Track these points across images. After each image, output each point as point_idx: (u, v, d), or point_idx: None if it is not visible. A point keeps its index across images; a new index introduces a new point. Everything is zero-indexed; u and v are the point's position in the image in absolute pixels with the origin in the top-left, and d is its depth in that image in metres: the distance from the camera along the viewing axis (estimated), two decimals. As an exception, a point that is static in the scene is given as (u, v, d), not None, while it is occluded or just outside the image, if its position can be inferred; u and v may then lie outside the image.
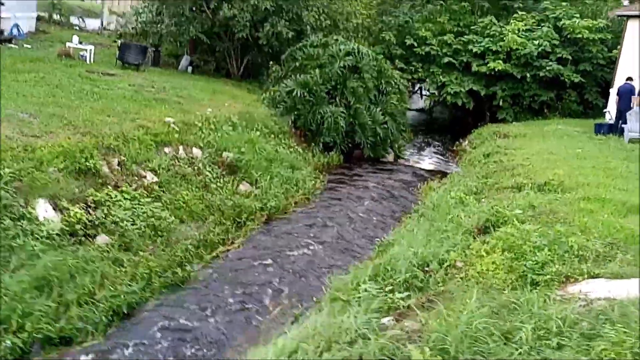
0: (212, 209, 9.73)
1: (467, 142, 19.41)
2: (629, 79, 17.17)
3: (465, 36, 23.97)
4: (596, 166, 11.40)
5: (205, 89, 16.38)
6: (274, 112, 16.07)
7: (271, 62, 19.04)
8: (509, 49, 22.56)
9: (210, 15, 19.34)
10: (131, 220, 8.02)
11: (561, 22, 22.79)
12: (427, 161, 18.82)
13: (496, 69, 22.54)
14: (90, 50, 17.53)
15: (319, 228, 10.51)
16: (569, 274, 5.74)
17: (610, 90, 19.30)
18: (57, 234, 7.03)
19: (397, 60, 23.38)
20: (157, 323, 6.60)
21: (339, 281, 7.15)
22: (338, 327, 5.59)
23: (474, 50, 23.38)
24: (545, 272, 5.80)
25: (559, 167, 10.98)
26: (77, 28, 25.56)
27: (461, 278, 6.44)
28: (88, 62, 17.05)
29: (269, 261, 8.71)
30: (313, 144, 15.81)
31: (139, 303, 6.90)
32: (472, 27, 24.31)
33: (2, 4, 18.70)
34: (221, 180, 10.74)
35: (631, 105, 16.45)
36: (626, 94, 16.83)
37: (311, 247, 9.51)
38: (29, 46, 17.86)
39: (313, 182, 13.17)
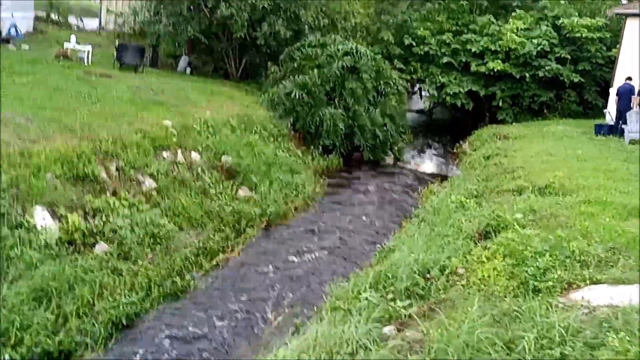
0: (212, 215, 9.67)
1: (467, 144, 19.35)
2: (629, 78, 17.11)
3: (464, 35, 23.90)
4: (596, 168, 11.36)
5: (203, 90, 16.30)
6: (272, 114, 16.00)
7: (269, 63, 18.97)
8: (507, 49, 22.51)
9: (207, 15, 19.25)
10: (130, 227, 7.97)
11: (560, 21, 22.72)
12: (427, 164, 18.77)
13: (495, 69, 22.49)
14: (88, 51, 17.45)
15: (319, 234, 10.46)
16: (571, 280, 5.70)
17: (610, 90, 19.24)
18: (55, 243, 6.97)
19: (395, 60, 23.30)
20: (157, 335, 6.54)
21: (339, 289, 7.12)
22: (339, 337, 5.55)
23: (473, 49, 23.33)
24: (546, 278, 5.75)
25: (559, 169, 10.93)
26: (76, 28, 25.42)
27: (462, 285, 6.39)
28: (86, 63, 16.97)
29: (269, 268, 8.66)
30: (312, 147, 15.74)
31: (139, 314, 6.83)
32: (470, 26, 24.25)
33: (0, 4, 18.61)
34: (220, 185, 10.68)
35: (631, 106, 16.38)
36: (626, 93, 16.77)
37: (312, 254, 9.45)
38: (26, 47, 17.77)
39: (313, 186, 13.10)
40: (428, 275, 7.03)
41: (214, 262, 8.61)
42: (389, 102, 17.68)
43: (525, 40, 22.33)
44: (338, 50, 17.18)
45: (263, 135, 13.90)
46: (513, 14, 23.84)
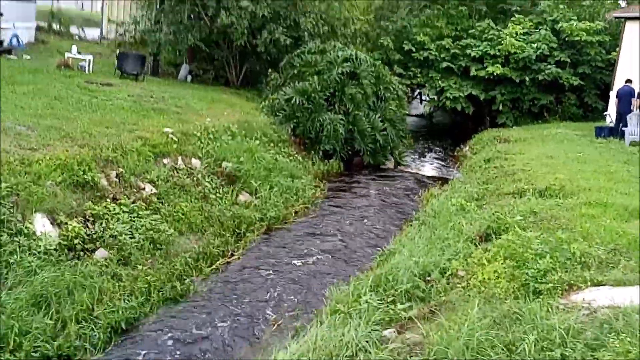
0: (212, 220, 9.66)
1: (467, 147, 19.38)
2: (628, 81, 17.15)
3: (463, 40, 24.00)
4: (597, 170, 11.37)
5: (204, 98, 16.35)
6: (273, 120, 16.03)
7: (270, 70, 19.03)
8: (507, 53, 22.58)
9: (208, 23, 19.34)
10: (130, 233, 7.95)
11: (559, 25, 22.77)
12: (428, 167, 18.78)
13: (495, 73, 22.55)
14: (89, 60, 17.53)
15: (319, 238, 10.45)
16: (572, 281, 5.70)
17: (610, 92, 19.26)
18: (54, 249, 6.96)
19: (395, 66, 23.39)
20: (157, 339, 6.52)
21: (339, 292, 7.12)
22: (339, 340, 5.55)
23: (472, 54, 23.39)
24: (547, 280, 5.75)
25: (559, 172, 10.96)
26: (77, 38, 25.57)
27: (463, 287, 6.39)
28: (87, 72, 17.04)
29: (270, 273, 8.65)
30: (312, 152, 15.76)
31: (138, 318, 6.81)
32: (470, 31, 24.33)
33: (1, 15, 18.70)
34: (220, 190, 10.68)
35: (631, 108, 16.40)
36: (626, 96, 16.80)
37: (312, 258, 9.44)
38: (28, 57, 17.86)
39: (313, 190, 13.10)
40: (428, 278, 7.04)
41: (214, 267, 8.59)
42: (388, 107, 17.69)
43: (525, 45, 22.40)
44: (338, 56, 17.22)
45: (263, 141, 13.92)
46: (512, 18, 23.90)
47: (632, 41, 18.67)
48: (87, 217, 7.84)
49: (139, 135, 10.44)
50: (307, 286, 8.39)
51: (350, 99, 16.46)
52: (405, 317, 6.02)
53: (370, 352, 5.23)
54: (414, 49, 23.99)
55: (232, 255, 9.16)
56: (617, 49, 19.90)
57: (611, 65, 21.12)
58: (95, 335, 6.26)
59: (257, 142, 13.42)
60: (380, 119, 16.93)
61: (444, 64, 23.66)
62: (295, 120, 16.02)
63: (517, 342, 4.60)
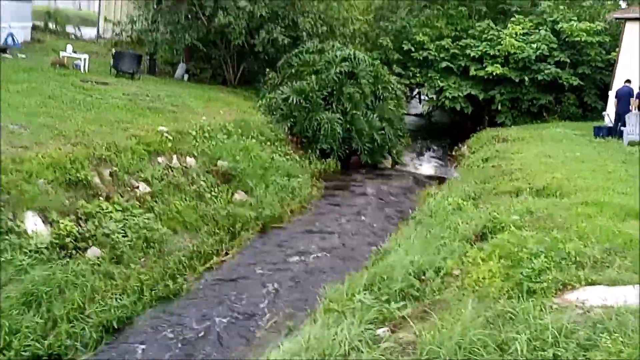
0: (206, 218, 9.62)
1: (465, 146, 19.35)
2: (628, 81, 17.11)
3: (463, 40, 23.96)
4: (595, 169, 11.31)
5: (200, 97, 16.30)
6: (270, 119, 15.99)
7: (267, 69, 18.98)
8: (506, 53, 22.53)
9: (205, 23, 19.30)
10: (123, 232, 7.90)
11: (559, 26, 22.75)
12: (426, 166, 18.75)
13: (494, 73, 22.52)
14: (85, 59, 17.46)
15: (315, 236, 10.40)
16: (566, 281, 5.63)
17: (609, 92, 19.23)
18: (46, 248, 6.91)
19: (394, 66, 23.36)
20: (148, 338, 6.48)
21: (333, 291, 7.06)
22: (332, 339, 5.49)
23: (472, 54, 23.35)
24: (541, 279, 5.69)
25: (557, 171, 10.90)
26: (73, 37, 25.49)
27: (457, 287, 6.34)
28: (82, 71, 16.97)
29: (264, 271, 8.60)
30: (310, 151, 15.70)
31: (130, 317, 6.78)
32: (469, 32, 24.30)
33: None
34: (215, 189, 10.63)
35: (630, 108, 16.36)
36: (625, 96, 16.77)
37: (307, 256, 9.40)
38: (23, 56, 17.78)
39: (309, 189, 13.06)
40: (423, 277, 6.98)
41: (208, 265, 8.55)
42: (387, 106, 17.67)
43: (524, 45, 22.36)
44: (336, 56, 17.19)
45: (260, 140, 13.87)
46: (512, 19, 23.86)
47: (632, 42, 18.62)
48: (79, 215, 7.79)
49: (134, 133, 10.39)
50: (302, 284, 8.35)
51: (348, 99, 16.42)
52: (399, 316, 5.97)
53: (362, 352, 5.17)
54: (413, 49, 23.97)
55: (226, 253, 9.12)
56: (617, 50, 19.86)
57: (611, 66, 21.08)
58: (86, 334, 6.22)
59: (254, 141, 13.38)
60: (378, 119, 16.90)
61: (443, 64, 23.63)
62: (292, 120, 15.97)
63: (510, 341, 4.54)
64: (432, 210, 10.16)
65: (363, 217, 11.84)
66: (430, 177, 16.58)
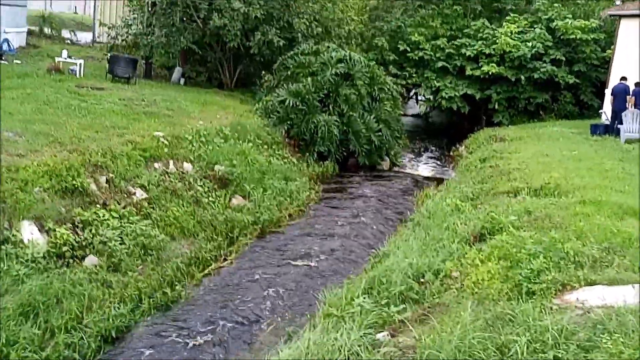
0: (204, 224, 9.58)
1: (463, 146, 19.34)
2: (623, 78, 17.12)
3: (458, 40, 23.94)
4: (592, 168, 11.31)
5: (196, 100, 16.25)
6: (266, 122, 15.94)
7: (263, 72, 18.95)
8: (502, 52, 22.54)
9: (200, 25, 19.26)
10: (120, 239, 7.87)
11: (554, 24, 22.77)
12: (424, 167, 18.73)
13: (490, 72, 22.52)
14: (80, 64, 17.42)
15: (313, 240, 10.34)
16: (565, 281, 5.62)
17: (605, 90, 19.24)
18: (42, 257, 6.88)
19: (390, 66, 23.33)
20: (147, 347, 6.43)
21: (332, 296, 7.02)
22: (331, 344, 5.45)
23: (468, 53, 23.34)
24: (540, 280, 5.68)
25: (555, 170, 10.89)
26: (69, 41, 25.43)
27: (457, 289, 6.32)
28: (78, 76, 16.92)
29: (263, 277, 8.55)
30: (307, 154, 15.65)
31: (128, 326, 6.73)
32: (464, 31, 24.29)
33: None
34: (213, 194, 10.59)
35: (626, 105, 16.37)
36: (621, 93, 16.78)
37: (306, 260, 9.35)
38: (18, 61, 17.73)
39: (307, 193, 13.00)
40: (422, 280, 6.96)
41: (206, 272, 8.50)
42: (383, 107, 17.64)
43: (520, 43, 22.36)
44: (331, 57, 17.16)
45: (257, 143, 13.81)
46: (507, 17, 23.86)
47: (627, 39, 18.63)
48: (76, 223, 7.76)
49: (129, 139, 10.35)
50: (301, 289, 8.30)
51: (345, 100, 16.39)
52: (398, 320, 5.94)
53: (362, 357, 5.14)
54: (409, 49, 23.95)
55: (224, 259, 9.07)
56: (612, 47, 19.87)
57: (606, 63, 21.11)
58: (85, 344, 6.17)
59: (251, 144, 13.33)
60: (375, 120, 16.87)
61: (439, 64, 23.62)
62: (289, 122, 15.93)
63: (510, 344, 4.52)
64: (430, 211, 10.13)
65: (361, 220, 11.80)
66: (428, 178, 16.56)
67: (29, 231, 7.11)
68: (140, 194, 9.22)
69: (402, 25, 24.81)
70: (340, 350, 5.32)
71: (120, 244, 7.81)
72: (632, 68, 17.48)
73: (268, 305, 7.74)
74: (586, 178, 10.20)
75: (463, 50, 23.46)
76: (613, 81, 18.12)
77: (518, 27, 23.09)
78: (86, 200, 8.23)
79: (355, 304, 6.30)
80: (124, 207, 8.58)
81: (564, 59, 22.47)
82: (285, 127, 15.91)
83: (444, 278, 6.82)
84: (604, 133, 16.50)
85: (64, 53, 17.85)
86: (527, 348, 4.40)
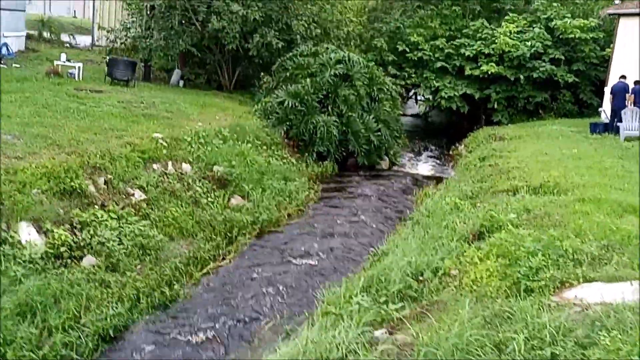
0: (203, 224, 9.57)
1: (462, 146, 19.34)
2: (622, 77, 17.12)
3: (457, 40, 23.96)
4: (592, 166, 11.30)
5: (195, 102, 16.27)
6: (265, 123, 15.96)
7: (262, 73, 18.96)
8: (501, 51, 22.54)
9: (199, 28, 19.30)
10: (118, 239, 7.87)
11: (553, 23, 22.78)
12: (423, 166, 18.73)
13: (489, 72, 22.52)
14: (79, 67, 17.45)
15: (312, 240, 10.33)
16: (564, 278, 5.60)
17: (605, 89, 19.24)
18: (40, 258, 6.88)
19: (389, 67, 23.34)
20: (144, 346, 6.43)
21: (331, 294, 7.02)
22: (329, 342, 5.45)
23: (467, 53, 23.35)
24: (539, 277, 5.66)
25: (554, 169, 10.88)
26: (68, 45, 25.51)
27: (455, 287, 6.31)
28: (77, 79, 16.96)
29: (261, 276, 8.54)
30: (306, 154, 15.64)
31: (126, 325, 6.72)
32: (463, 31, 24.31)
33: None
34: (212, 194, 10.59)
35: (625, 103, 16.37)
36: (620, 92, 16.79)
37: (304, 259, 9.34)
38: (17, 65, 17.78)
39: (307, 192, 12.99)
40: (421, 278, 6.94)
41: (205, 271, 8.48)
42: (382, 107, 17.64)
43: (519, 43, 22.36)
44: (330, 58, 17.17)
45: (256, 144, 13.82)
46: (506, 17, 23.87)
47: (626, 37, 18.63)
48: (74, 224, 7.76)
49: (128, 141, 10.36)
50: (300, 287, 8.30)
51: (344, 101, 16.40)
52: (397, 318, 5.93)
53: (359, 354, 5.13)
54: (408, 50, 23.96)
55: (223, 259, 9.05)
56: (611, 46, 19.89)
57: (605, 62, 21.12)
58: (82, 343, 6.16)
59: (250, 145, 13.33)
60: (374, 120, 16.86)
61: (439, 64, 23.63)
62: (288, 123, 15.94)
63: (507, 341, 4.51)
64: (429, 210, 10.13)
65: (360, 220, 11.79)
66: (427, 177, 16.56)
67: (26, 232, 7.11)
68: (138, 194, 9.22)
69: (401, 26, 24.83)
70: (338, 348, 5.31)
71: (119, 244, 7.81)
72: (631, 66, 17.50)
73: (267, 303, 7.74)
74: (585, 176, 10.19)
75: (462, 50, 23.47)
76: (612, 80, 18.14)
77: (517, 26, 23.10)
78: (84, 201, 8.23)
79: (354, 302, 6.29)
80: (122, 208, 8.58)
81: (563, 58, 22.47)
82: (285, 128, 15.91)
83: (443, 276, 6.81)
84: (604, 131, 16.50)
85: (63, 56, 17.90)
86: (525, 345, 4.39)
